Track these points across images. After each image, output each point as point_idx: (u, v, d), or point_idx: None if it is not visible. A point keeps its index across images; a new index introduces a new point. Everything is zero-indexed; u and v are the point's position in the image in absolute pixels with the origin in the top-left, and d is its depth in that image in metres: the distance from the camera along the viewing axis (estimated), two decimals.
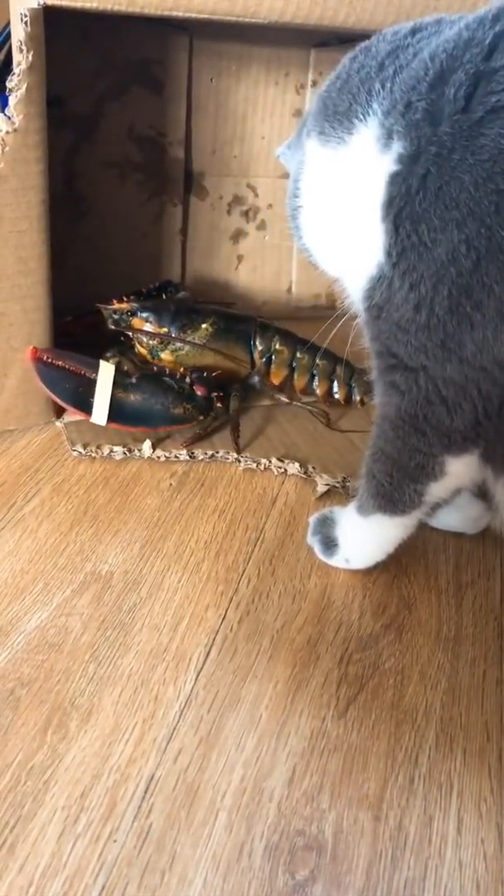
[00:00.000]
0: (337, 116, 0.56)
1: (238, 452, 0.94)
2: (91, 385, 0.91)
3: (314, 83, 1.09)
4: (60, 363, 0.91)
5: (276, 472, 0.92)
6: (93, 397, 0.91)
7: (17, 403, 0.92)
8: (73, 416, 0.95)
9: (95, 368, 0.91)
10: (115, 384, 0.91)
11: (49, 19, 0.75)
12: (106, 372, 0.91)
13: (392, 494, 0.67)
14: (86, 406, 0.91)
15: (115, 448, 0.91)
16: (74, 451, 0.91)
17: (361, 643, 0.70)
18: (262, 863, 0.53)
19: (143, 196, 1.13)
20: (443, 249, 0.50)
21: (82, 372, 0.91)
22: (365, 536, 0.74)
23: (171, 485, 0.88)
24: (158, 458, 0.92)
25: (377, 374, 0.63)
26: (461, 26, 0.51)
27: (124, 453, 0.92)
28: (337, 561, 0.76)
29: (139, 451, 0.92)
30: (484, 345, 0.52)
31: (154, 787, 0.57)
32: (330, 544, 0.76)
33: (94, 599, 0.72)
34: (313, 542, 0.78)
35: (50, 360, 0.91)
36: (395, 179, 0.52)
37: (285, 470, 0.92)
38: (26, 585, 0.73)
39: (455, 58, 0.49)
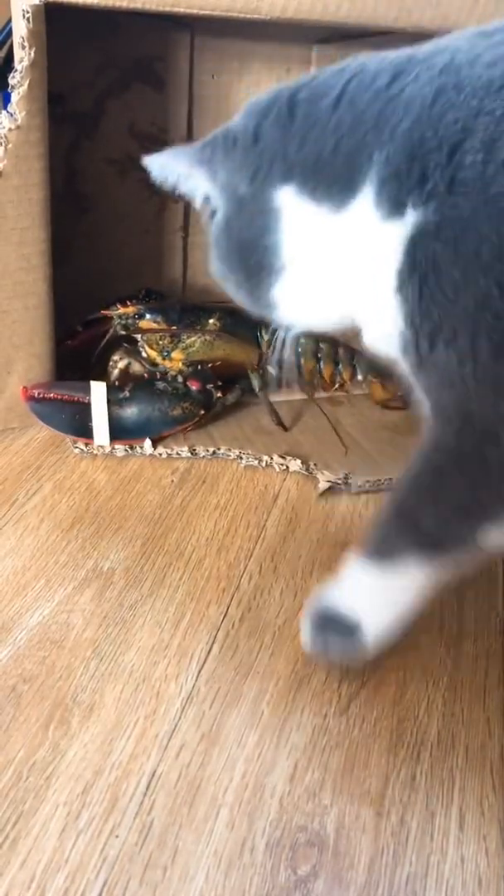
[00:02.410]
0: (333, 176, 0.53)
1: (285, 429, 0.98)
2: (86, 409, 0.91)
3: None
4: (52, 395, 0.91)
5: (277, 469, 0.92)
6: (91, 421, 0.91)
7: (20, 401, 0.92)
8: None
9: (87, 391, 0.91)
10: (109, 402, 0.91)
11: (50, 16, 0.75)
12: (98, 392, 0.91)
13: (441, 531, 0.56)
14: (86, 431, 0.91)
15: (117, 445, 0.91)
16: (76, 448, 0.92)
17: None
18: (264, 858, 0.53)
19: (145, 193, 1.13)
20: (471, 300, 0.48)
21: (75, 398, 0.91)
22: (391, 589, 0.60)
23: (172, 482, 0.88)
24: (160, 455, 0.92)
25: (427, 410, 0.56)
26: (453, 73, 0.50)
27: (125, 450, 0.92)
28: (365, 647, 0.61)
29: (140, 448, 0.92)
30: None
31: (156, 783, 0.57)
32: (349, 629, 0.61)
33: (96, 596, 0.72)
34: (323, 641, 0.63)
35: (42, 396, 0.91)
36: (411, 247, 0.49)
37: (287, 467, 0.92)
38: (28, 582, 0.73)
39: (465, 121, 0.48)
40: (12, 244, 0.83)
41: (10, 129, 0.77)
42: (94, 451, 0.91)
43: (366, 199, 0.51)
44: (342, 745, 0.61)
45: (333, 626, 0.62)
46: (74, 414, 0.91)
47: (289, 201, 0.54)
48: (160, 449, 0.92)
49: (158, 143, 1.10)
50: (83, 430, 0.91)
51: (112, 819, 0.55)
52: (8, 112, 0.76)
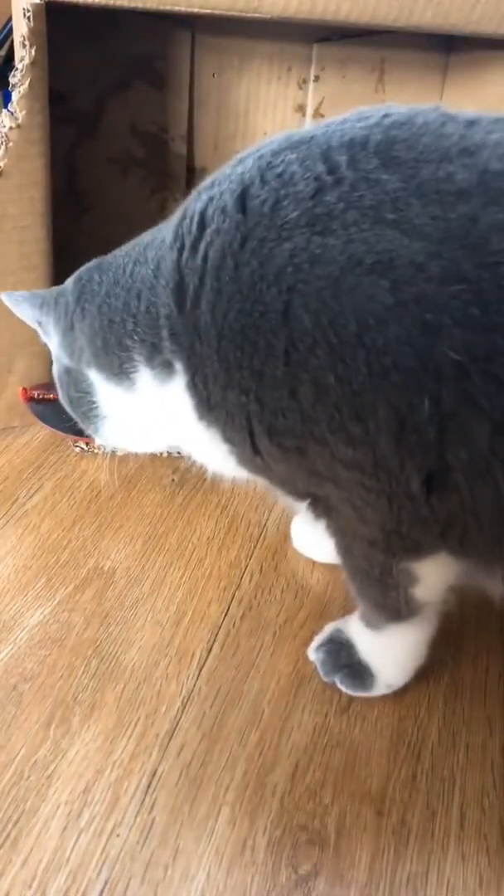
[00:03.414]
0: (113, 367, 0.61)
1: None
2: None
3: (316, 78, 1.09)
4: (52, 396, 0.91)
5: None
6: None
7: (21, 401, 0.92)
8: None
9: None
10: None
11: (51, 15, 0.75)
12: None
13: (386, 604, 0.60)
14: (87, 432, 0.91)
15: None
16: (76, 447, 0.91)
17: None
18: (265, 857, 0.53)
19: (145, 192, 1.13)
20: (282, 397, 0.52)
21: None
22: (395, 649, 0.64)
23: (173, 481, 0.88)
24: (161, 454, 0.92)
25: None
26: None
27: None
28: (379, 690, 0.64)
29: None
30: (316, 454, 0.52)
31: (157, 782, 0.57)
32: (364, 675, 0.64)
33: (97, 595, 0.72)
34: (337, 678, 0.65)
35: (41, 397, 0.91)
36: (190, 388, 0.56)
37: None
38: (29, 581, 0.73)
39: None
40: (13, 243, 0.83)
41: (10, 128, 0.77)
42: (95, 451, 0.91)
43: (144, 377, 0.59)
44: (343, 745, 0.61)
45: (348, 668, 0.65)
46: None
47: (96, 380, 0.64)
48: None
49: (159, 141, 1.10)
50: (84, 430, 0.91)
51: (113, 818, 0.55)
52: (9, 111, 0.76)
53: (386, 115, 0.51)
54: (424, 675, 0.67)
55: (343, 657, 0.65)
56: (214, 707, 0.63)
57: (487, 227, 0.45)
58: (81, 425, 0.70)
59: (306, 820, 0.56)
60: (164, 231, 0.58)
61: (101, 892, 0.51)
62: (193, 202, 0.54)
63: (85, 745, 0.59)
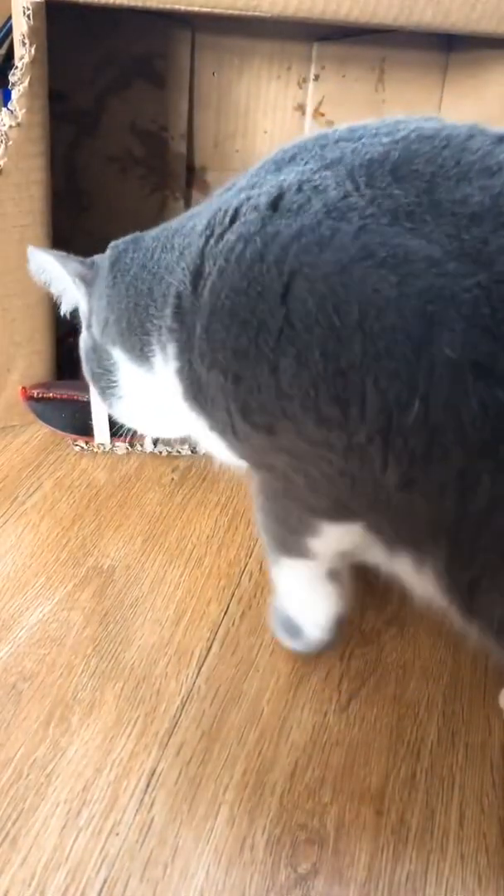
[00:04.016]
0: (135, 348, 0.64)
1: None
2: (86, 407, 0.90)
3: (316, 77, 1.09)
4: (51, 395, 0.91)
5: None
6: (91, 419, 0.91)
7: (21, 399, 0.92)
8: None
9: (87, 390, 0.91)
10: None
11: (51, 13, 0.75)
12: None
13: (284, 541, 0.63)
14: (86, 430, 0.91)
15: (117, 443, 0.91)
16: (76, 446, 0.91)
17: (363, 638, 0.70)
18: (265, 856, 0.53)
19: (145, 190, 1.13)
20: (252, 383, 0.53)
21: (75, 397, 0.91)
22: (296, 587, 0.67)
23: (172, 479, 0.88)
24: (160, 452, 0.92)
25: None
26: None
27: (126, 448, 0.92)
28: (310, 643, 0.67)
29: (141, 445, 0.92)
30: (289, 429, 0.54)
31: (156, 781, 0.57)
32: (291, 624, 0.68)
33: (96, 594, 0.72)
34: (277, 630, 0.69)
35: (41, 396, 0.91)
36: (179, 374, 0.59)
37: None
38: (28, 580, 0.73)
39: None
40: (13, 241, 0.83)
41: (10, 127, 0.76)
42: (95, 449, 0.91)
43: (160, 361, 0.61)
44: (342, 743, 0.61)
45: (283, 622, 0.68)
46: (74, 413, 0.91)
47: (119, 359, 0.66)
48: (160, 447, 0.92)
49: (159, 140, 1.10)
50: (83, 428, 0.91)
51: (112, 817, 0.55)
52: (8, 109, 0.76)
53: (416, 129, 0.52)
54: (424, 675, 0.67)
55: (280, 609, 0.69)
56: (214, 706, 0.63)
57: (496, 249, 0.45)
58: (100, 398, 0.73)
59: (305, 819, 0.56)
60: (193, 220, 0.59)
61: (101, 890, 0.51)
62: (232, 197, 0.56)
63: (84, 744, 0.59)
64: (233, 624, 0.70)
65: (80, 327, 0.73)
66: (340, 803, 0.57)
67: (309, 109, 1.11)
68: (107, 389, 0.70)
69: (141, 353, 0.63)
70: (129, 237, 0.67)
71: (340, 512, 0.56)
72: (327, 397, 0.49)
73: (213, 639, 0.69)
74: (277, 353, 0.50)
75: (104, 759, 0.58)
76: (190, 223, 0.60)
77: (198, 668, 0.66)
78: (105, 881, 0.51)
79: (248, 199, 0.54)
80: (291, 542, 0.62)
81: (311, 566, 0.64)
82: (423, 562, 0.54)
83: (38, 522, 0.80)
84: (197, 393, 0.58)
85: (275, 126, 1.12)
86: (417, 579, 0.56)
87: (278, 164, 0.57)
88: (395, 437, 0.48)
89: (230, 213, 0.54)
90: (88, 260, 0.70)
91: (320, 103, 1.10)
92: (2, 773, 0.57)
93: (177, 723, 0.61)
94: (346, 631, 0.70)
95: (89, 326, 0.69)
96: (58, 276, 0.71)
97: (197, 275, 0.55)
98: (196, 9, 0.77)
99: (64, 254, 0.71)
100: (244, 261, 0.51)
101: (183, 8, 0.77)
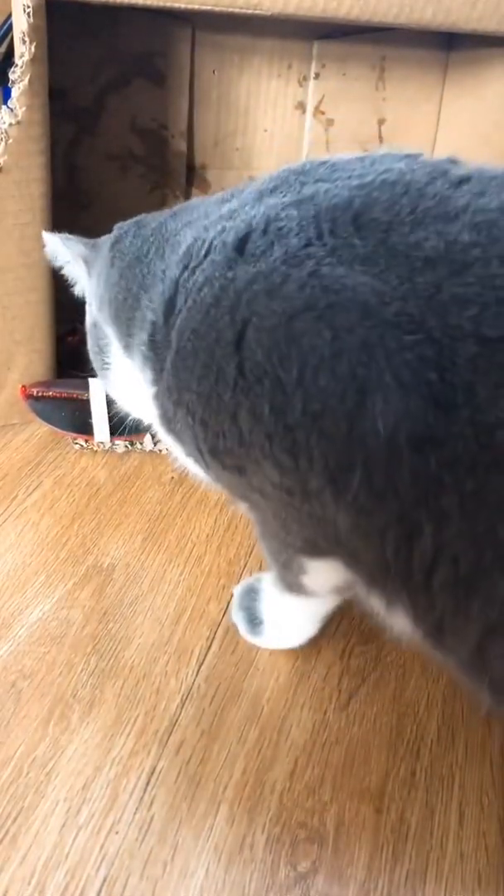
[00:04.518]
0: (124, 333, 0.64)
1: None
2: (86, 406, 0.90)
3: (317, 75, 1.09)
4: (51, 394, 0.91)
5: None
6: (90, 417, 0.91)
7: (21, 397, 0.92)
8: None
9: (86, 388, 0.91)
10: (109, 399, 0.91)
11: (51, 11, 0.74)
12: (97, 388, 0.90)
13: (283, 578, 0.63)
14: (86, 428, 0.91)
15: (117, 442, 0.91)
16: (76, 444, 0.91)
17: (363, 636, 0.70)
18: (264, 855, 0.53)
19: (145, 188, 1.13)
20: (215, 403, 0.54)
21: (75, 395, 0.91)
22: (287, 612, 0.67)
23: (172, 478, 0.88)
24: (160, 451, 0.92)
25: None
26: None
27: (126, 447, 0.92)
28: (263, 641, 0.68)
29: (141, 444, 0.92)
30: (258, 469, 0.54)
31: (156, 779, 0.57)
32: (255, 622, 0.69)
33: (96, 592, 0.72)
34: (238, 619, 0.70)
35: (41, 394, 0.91)
36: (154, 400, 0.60)
37: None
38: (28, 578, 0.73)
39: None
40: (13, 239, 0.83)
41: (10, 125, 0.76)
42: (95, 448, 0.91)
43: (138, 363, 0.62)
44: (342, 742, 0.61)
45: (248, 611, 0.69)
46: (74, 411, 0.91)
47: (112, 339, 0.67)
48: (160, 445, 0.92)
49: (159, 138, 1.10)
50: (83, 427, 0.91)
51: (112, 815, 0.55)
52: (8, 107, 0.76)
53: (383, 173, 0.52)
54: (424, 674, 0.67)
55: (248, 600, 0.70)
56: (213, 704, 0.63)
57: (449, 297, 0.45)
58: (98, 375, 0.75)
59: (305, 817, 0.56)
60: (182, 232, 0.60)
61: (100, 888, 0.51)
62: (213, 226, 0.56)
63: (84, 742, 0.59)
64: (232, 623, 0.70)
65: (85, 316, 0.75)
66: (340, 802, 0.57)
67: (309, 108, 1.11)
68: (101, 368, 0.72)
69: (125, 348, 0.64)
70: (133, 220, 0.69)
71: (315, 549, 0.56)
72: (280, 448, 0.49)
73: (213, 637, 0.69)
74: (234, 402, 0.50)
75: (104, 758, 0.58)
76: (181, 233, 0.60)
77: (197, 667, 0.66)
78: (105, 879, 0.51)
79: (222, 231, 0.55)
80: (289, 579, 0.62)
81: (312, 604, 0.66)
82: (392, 601, 0.54)
83: (38, 521, 0.80)
84: (169, 423, 0.58)
85: (275, 124, 1.12)
86: (390, 616, 0.56)
87: (261, 194, 0.57)
88: (343, 492, 0.48)
89: (206, 246, 0.55)
90: (91, 241, 0.72)
91: (321, 102, 1.10)
92: (2, 771, 0.57)
93: (176, 721, 0.61)
94: (346, 629, 0.70)
95: (90, 303, 0.71)
96: (68, 259, 0.73)
97: (169, 307, 0.56)
98: (196, 7, 0.77)
99: (70, 236, 0.74)
100: (204, 304, 0.52)
101: (183, 6, 0.77)
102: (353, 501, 0.48)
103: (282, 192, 0.55)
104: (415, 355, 0.44)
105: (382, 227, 0.49)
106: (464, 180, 0.50)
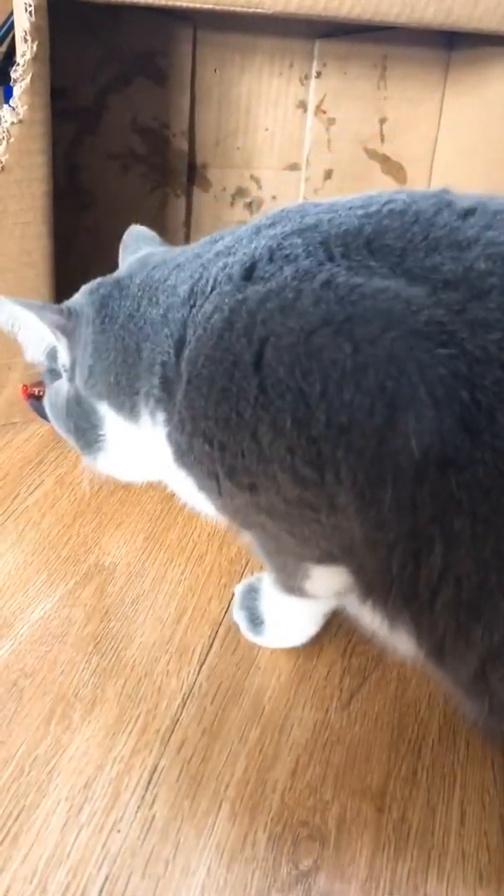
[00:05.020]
0: (124, 405, 0.63)
1: None
2: None
3: (318, 74, 1.09)
4: None
5: None
6: None
7: (22, 397, 0.92)
8: None
9: None
10: None
11: (53, 10, 0.75)
12: None
13: (286, 583, 0.63)
14: None
15: None
16: None
17: (365, 635, 0.70)
18: (266, 853, 0.53)
19: (147, 187, 1.13)
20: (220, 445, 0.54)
21: None
22: (288, 612, 0.67)
23: None
24: None
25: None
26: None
27: None
28: (265, 640, 0.68)
29: None
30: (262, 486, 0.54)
31: (157, 778, 0.57)
32: (256, 621, 0.68)
33: (98, 591, 0.72)
34: (239, 618, 0.69)
35: (42, 394, 0.91)
36: (168, 438, 0.59)
37: None
38: (30, 577, 0.73)
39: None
40: (14, 238, 0.83)
41: (12, 124, 0.76)
42: None
43: (146, 419, 0.61)
44: (343, 741, 0.61)
45: (249, 610, 0.69)
46: None
47: (107, 414, 0.65)
48: None
49: (160, 137, 1.10)
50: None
51: (114, 814, 0.55)
52: (10, 106, 0.76)
53: (388, 203, 0.52)
54: (425, 672, 0.67)
55: (249, 599, 0.70)
56: (215, 703, 0.63)
57: (474, 317, 0.45)
58: (78, 449, 0.72)
59: (307, 816, 0.56)
60: (174, 274, 0.60)
61: (102, 887, 0.51)
62: (212, 264, 0.56)
63: (85, 741, 0.59)
64: (234, 622, 0.70)
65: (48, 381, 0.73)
66: (342, 801, 0.57)
67: (311, 107, 1.11)
68: (92, 443, 0.69)
69: (130, 411, 0.63)
70: (106, 279, 0.67)
71: (328, 558, 0.56)
72: (302, 461, 0.49)
73: (215, 636, 0.69)
74: (255, 418, 0.50)
75: (105, 756, 0.58)
76: (172, 277, 0.60)
77: (199, 666, 0.66)
78: (107, 878, 0.51)
79: (225, 266, 0.55)
80: (291, 583, 0.62)
81: (312, 605, 0.65)
82: (394, 620, 0.54)
83: (40, 520, 0.80)
84: (183, 456, 0.58)
85: (276, 123, 1.12)
86: (393, 637, 0.56)
87: (259, 229, 0.57)
88: (369, 507, 0.48)
89: (210, 281, 0.55)
90: (64, 307, 0.68)
91: (322, 100, 1.10)
92: (3, 770, 0.57)
93: (178, 720, 0.61)
94: (347, 628, 0.70)
95: (72, 378, 0.68)
96: (30, 325, 0.68)
97: (180, 343, 0.56)
98: (198, 6, 0.77)
99: (39, 303, 0.70)
100: (216, 329, 0.52)
101: (185, 5, 0.77)
102: (377, 515, 0.48)
103: (281, 225, 0.55)
104: (449, 371, 0.44)
105: (397, 252, 0.49)
106: (469, 213, 0.50)
